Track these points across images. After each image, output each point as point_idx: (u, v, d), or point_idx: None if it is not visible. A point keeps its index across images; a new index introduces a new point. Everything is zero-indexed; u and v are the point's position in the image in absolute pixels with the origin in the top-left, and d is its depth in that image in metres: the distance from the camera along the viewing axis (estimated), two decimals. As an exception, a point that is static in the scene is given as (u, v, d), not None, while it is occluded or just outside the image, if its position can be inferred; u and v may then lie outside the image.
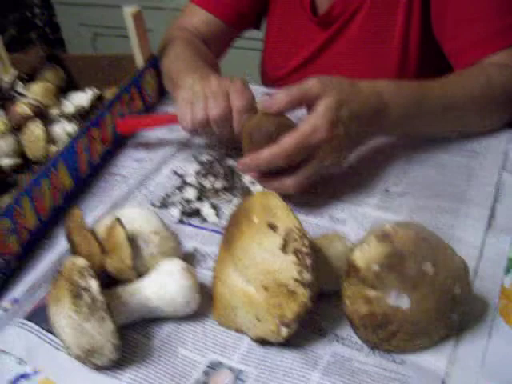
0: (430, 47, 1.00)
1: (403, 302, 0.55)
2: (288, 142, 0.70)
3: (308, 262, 0.55)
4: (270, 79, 1.21)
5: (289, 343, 0.59)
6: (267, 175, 0.75)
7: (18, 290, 0.69)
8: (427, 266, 0.55)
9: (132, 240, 0.66)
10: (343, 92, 0.73)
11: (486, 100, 0.87)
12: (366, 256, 0.55)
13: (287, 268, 0.55)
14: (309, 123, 0.71)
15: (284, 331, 0.56)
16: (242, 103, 0.79)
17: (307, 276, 0.55)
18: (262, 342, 0.59)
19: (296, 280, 0.55)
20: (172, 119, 0.89)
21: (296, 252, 0.55)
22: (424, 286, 0.55)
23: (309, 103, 0.74)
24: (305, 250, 0.55)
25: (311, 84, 0.73)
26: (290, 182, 0.73)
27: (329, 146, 0.72)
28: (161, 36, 1.12)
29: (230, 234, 0.61)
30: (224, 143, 0.91)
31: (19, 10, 2.53)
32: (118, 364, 0.60)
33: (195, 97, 0.83)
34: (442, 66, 0.95)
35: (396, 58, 1.03)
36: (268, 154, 0.71)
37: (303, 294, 0.55)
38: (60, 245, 0.74)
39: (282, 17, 1.13)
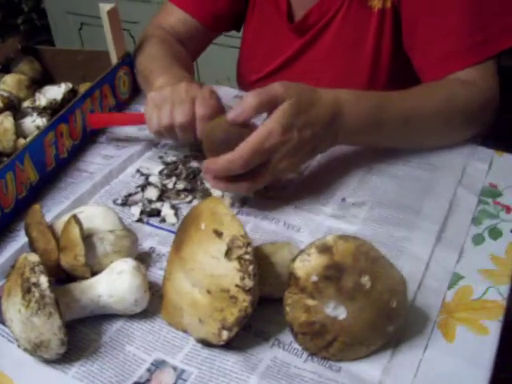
0: (400, 59, 1.01)
1: (340, 312, 0.57)
2: (243, 148, 0.71)
3: (250, 268, 0.57)
4: (245, 82, 1.22)
5: (232, 346, 0.61)
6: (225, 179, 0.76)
7: (-24, 281, 0.70)
8: (365, 279, 0.57)
9: (87, 237, 0.67)
10: (301, 97, 0.74)
11: (449, 115, 0.88)
12: (306, 266, 0.57)
13: (230, 274, 0.57)
14: (263, 129, 0.72)
15: (225, 334, 0.58)
16: (204, 111, 0.81)
17: (249, 282, 0.57)
18: (205, 343, 0.61)
19: (238, 286, 0.57)
20: (141, 119, 0.90)
21: (239, 259, 0.57)
22: (361, 298, 0.57)
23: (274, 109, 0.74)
24: (248, 257, 0.57)
25: (277, 89, 0.74)
26: (244, 185, 0.75)
27: (283, 150, 0.73)
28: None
29: (179, 238, 0.63)
30: (188, 146, 0.93)
31: (5, -6, 2.51)
32: (66, 358, 0.61)
33: (163, 101, 0.84)
34: (412, 78, 0.97)
35: (367, 68, 1.04)
36: (225, 161, 0.72)
37: (244, 300, 0.57)
38: (21, 238, 0.75)
39: (259, 22, 1.14)
